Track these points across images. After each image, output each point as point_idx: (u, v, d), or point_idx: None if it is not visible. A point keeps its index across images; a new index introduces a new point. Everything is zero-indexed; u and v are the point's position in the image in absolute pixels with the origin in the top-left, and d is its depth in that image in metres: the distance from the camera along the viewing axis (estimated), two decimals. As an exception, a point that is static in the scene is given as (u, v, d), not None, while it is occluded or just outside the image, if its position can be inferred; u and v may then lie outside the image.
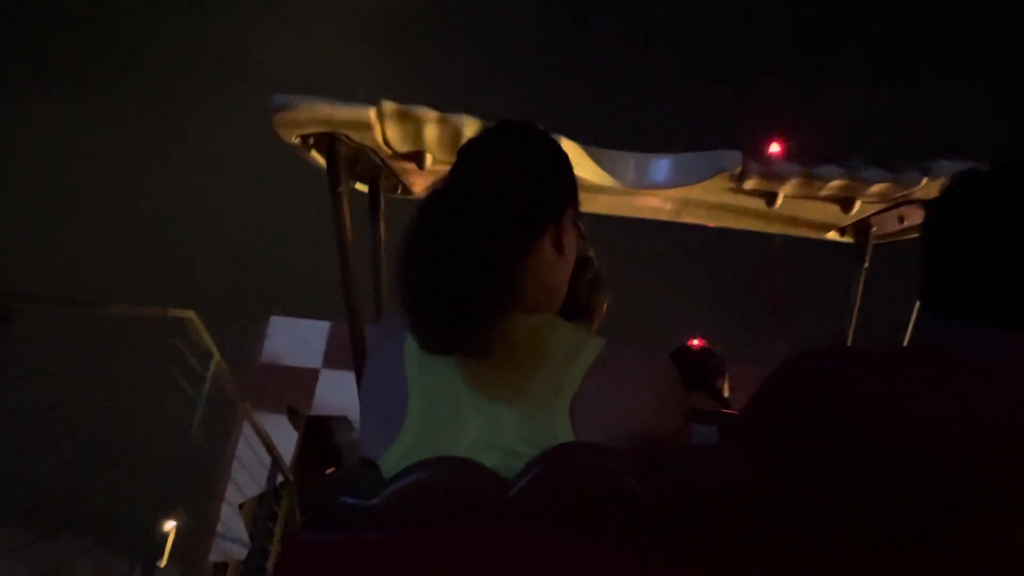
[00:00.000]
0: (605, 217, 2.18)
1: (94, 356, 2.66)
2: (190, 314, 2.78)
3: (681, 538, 0.73)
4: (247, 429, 3.77)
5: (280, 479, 3.77)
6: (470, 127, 1.75)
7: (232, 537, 4.29)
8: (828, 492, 0.75)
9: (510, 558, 0.74)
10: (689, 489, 0.76)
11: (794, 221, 2.13)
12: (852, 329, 2.17)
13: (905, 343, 1.60)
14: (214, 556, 4.45)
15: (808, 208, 2.02)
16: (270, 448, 3.58)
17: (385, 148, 1.85)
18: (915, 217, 1.99)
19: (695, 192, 1.98)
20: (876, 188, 1.87)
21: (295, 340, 7.49)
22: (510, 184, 0.94)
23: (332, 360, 7.32)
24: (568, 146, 1.79)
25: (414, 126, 1.78)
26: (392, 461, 0.86)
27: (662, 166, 1.93)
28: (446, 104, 1.85)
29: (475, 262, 0.85)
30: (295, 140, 1.81)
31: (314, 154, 1.85)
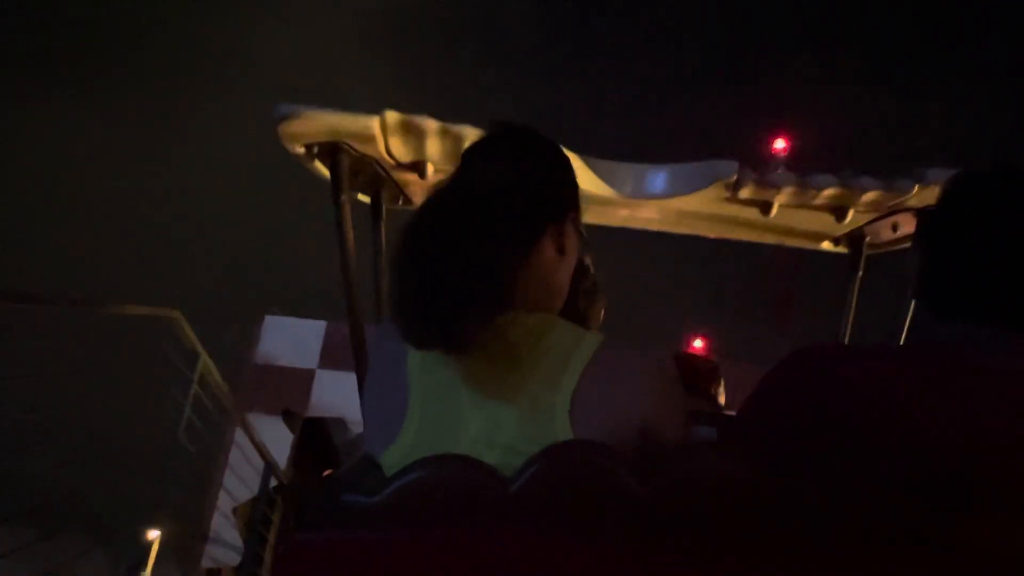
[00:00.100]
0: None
1: (81, 356, 2.60)
2: (175, 313, 2.68)
3: (680, 537, 0.73)
4: (240, 431, 3.70)
5: (274, 483, 3.69)
6: (472, 137, 1.75)
7: (225, 542, 4.21)
8: (828, 491, 0.75)
9: (510, 556, 0.74)
10: (688, 488, 0.76)
11: (789, 231, 2.17)
12: (847, 338, 2.19)
13: (901, 344, 1.59)
14: (206, 562, 4.34)
15: (802, 218, 2.06)
16: (262, 451, 3.51)
17: (388, 158, 1.88)
18: (908, 225, 2.01)
19: (691, 202, 2.00)
20: (869, 196, 1.90)
21: (290, 340, 7.39)
22: (511, 185, 0.95)
23: (328, 360, 7.22)
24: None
25: (416, 136, 1.81)
26: (393, 459, 0.87)
27: (658, 176, 1.96)
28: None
29: (472, 260, 0.86)
30: (300, 150, 1.83)
31: (317, 164, 1.88)
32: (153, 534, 2.60)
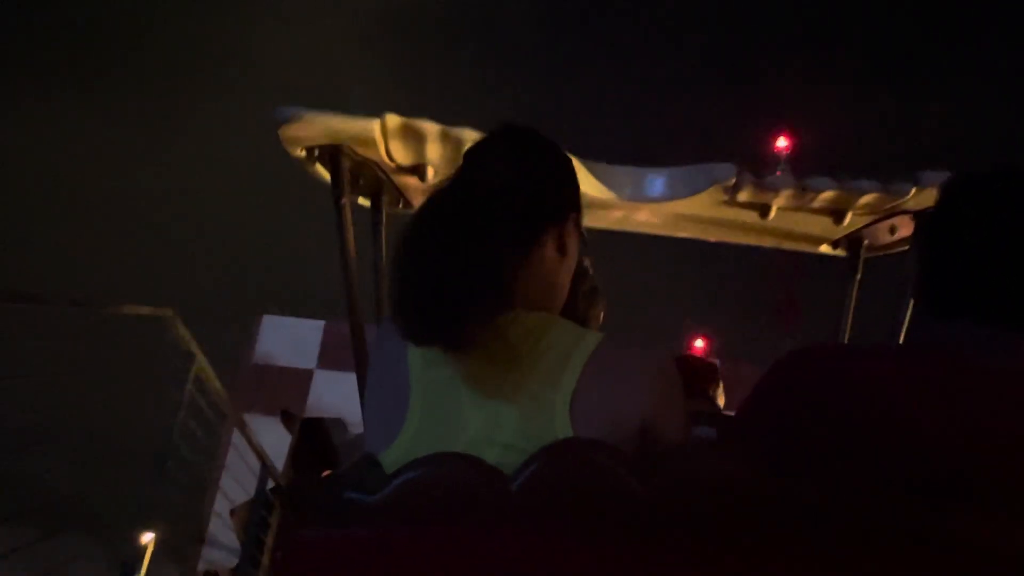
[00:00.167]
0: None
1: (77, 356, 2.58)
2: (169, 312, 2.64)
3: (680, 536, 0.73)
4: (237, 432, 3.67)
5: (271, 485, 3.66)
6: (472, 140, 1.80)
7: (222, 544, 4.17)
8: (827, 491, 0.74)
9: (509, 554, 0.74)
10: (688, 487, 0.76)
11: (787, 234, 2.16)
12: (846, 340, 2.17)
13: (900, 344, 1.60)
14: (203, 565, 4.30)
15: (801, 221, 2.05)
16: (259, 452, 3.48)
17: (388, 161, 1.87)
18: (906, 228, 2.01)
19: (690, 206, 2.00)
20: (866, 199, 1.90)
21: (288, 340, 7.35)
22: (512, 185, 0.96)
23: (327, 360, 7.19)
24: None
25: (416, 139, 1.81)
26: (394, 457, 0.87)
27: (657, 180, 1.96)
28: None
29: (473, 260, 0.86)
30: (300, 153, 1.83)
31: (318, 167, 1.87)
32: (147, 537, 2.56)
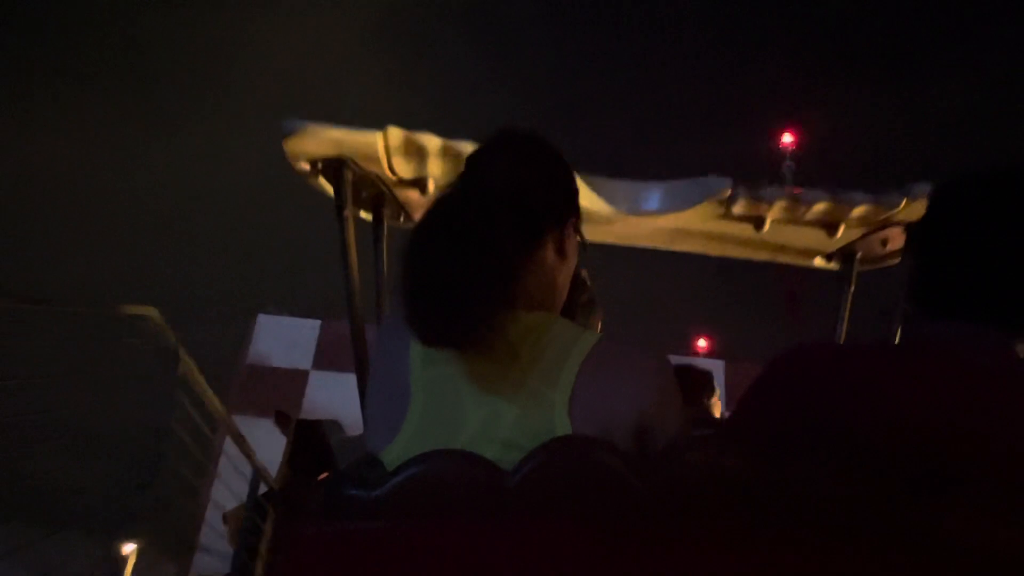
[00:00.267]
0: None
1: (64, 356, 2.51)
2: (152, 311, 2.52)
3: (676, 528, 0.75)
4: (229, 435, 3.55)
5: (264, 489, 3.53)
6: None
7: (213, 550, 4.05)
8: (821, 485, 0.76)
9: (508, 546, 0.75)
10: (684, 480, 0.78)
11: (782, 247, 2.21)
12: None
13: (891, 342, 1.63)
14: (195, 571, 4.19)
15: (795, 234, 2.10)
16: (249, 455, 3.36)
17: (390, 175, 1.91)
18: (898, 240, 2.07)
19: (687, 220, 2.04)
20: (859, 211, 1.94)
21: (283, 340, 7.21)
22: (512, 189, 0.98)
23: (322, 361, 7.06)
24: None
25: (418, 153, 1.84)
26: (395, 455, 0.88)
27: (654, 193, 2.01)
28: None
29: (478, 263, 0.88)
30: (304, 166, 1.87)
31: (322, 181, 1.91)
32: (128, 548, 2.45)
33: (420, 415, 0.92)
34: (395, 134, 1.79)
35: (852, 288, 2.19)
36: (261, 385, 6.68)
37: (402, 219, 2.14)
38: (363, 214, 2.09)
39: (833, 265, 2.25)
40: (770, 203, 1.93)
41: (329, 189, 1.90)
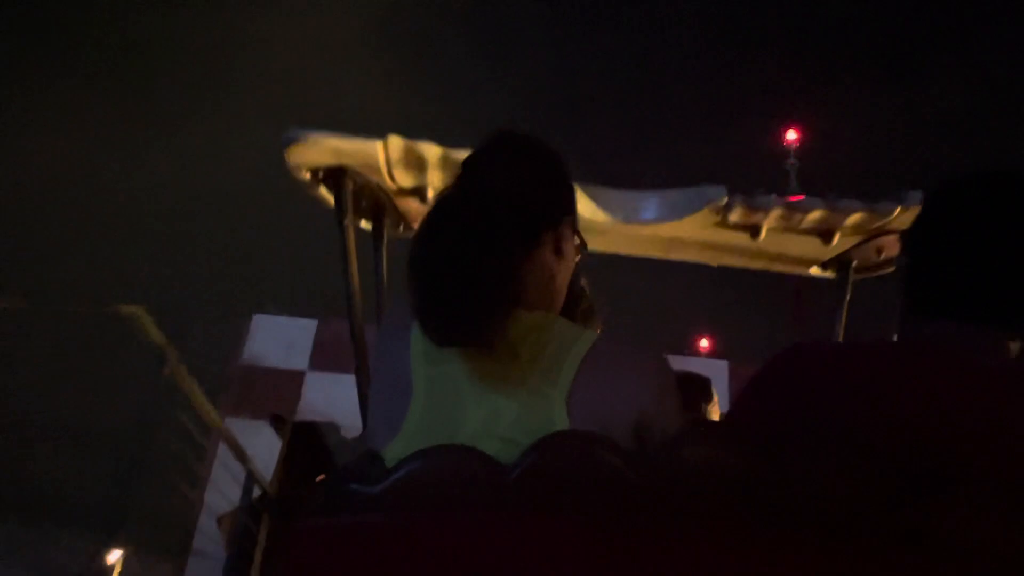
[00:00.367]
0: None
1: (46, 357, 2.44)
2: (138, 310, 2.44)
3: (673, 521, 0.75)
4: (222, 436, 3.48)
5: (258, 492, 3.45)
6: None
7: (209, 555, 3.98)
8: (817, 480, 0.76)
9: (507, 538, 0.76)
10: (683, 476, 0.78)
11: (778, 256, 2.24)
12: None
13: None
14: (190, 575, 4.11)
15: (790, 243, 2.12)
16: (242, 458, 3.27)
17: (390, 183, 1.93)
18: (893, 248, 2.09)
19: (685, 229, 2.06)
20: (853, 219, 1.96)
21: (279, 340, 7.12)
22: (510, 192, 1.00)
23: (319, 362, 6.98)
24: None
25: (418, 162, 1.86)
26: (397, 451, 0.89)
27: (651, 202, 2.03)
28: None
29: (478, 263, 0.90)
30: (306, 175, 1.88)
31: (323, 190, 1.92)
32: (114, 556, 2.38)
33: (421, 414, 0.94)
34: (395, 143, 1.80)
35: (848, 297, 2.22)
36: (256, 386, 6.60)
37: (402, 228, 2.16)
38: (363, 224, 2.11)
39: (829, 274, 2.28)
40: (766, 211, 1.96)
41: (330, 199, 1.92)
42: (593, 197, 1.97)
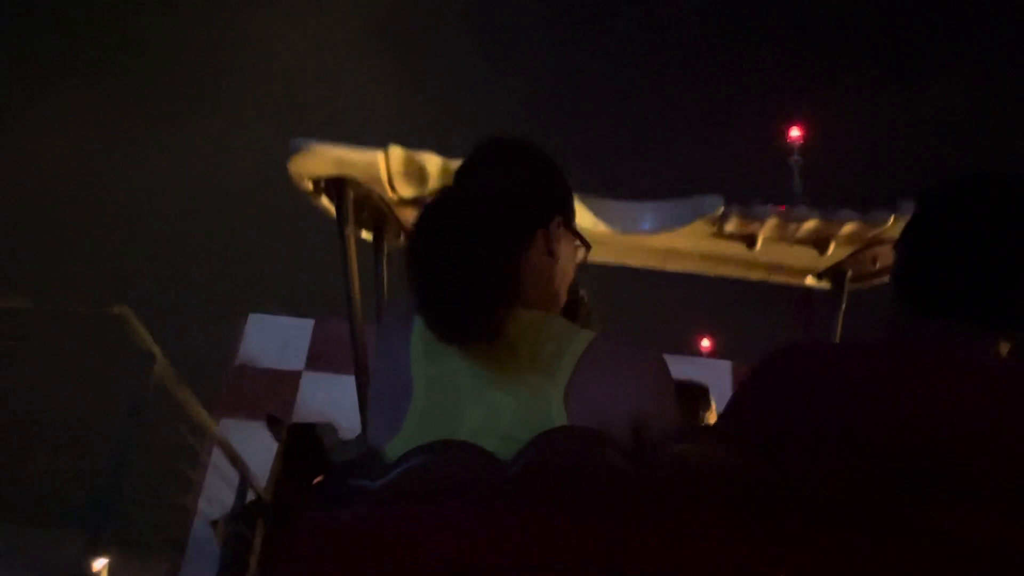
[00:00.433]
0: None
1: (34, 357, 2.40)
2: (124, 310, 2.39)
3: (669, 515, 0.75)
4: (216, 438, 3.41)
5: (252, 497, 3.38)
6: None
7: (204, 559, 3.90)
8: (817, 480, 0.76)
9: (506, 534, 0.76)
10: (678, 470, 0.79)
11: (774, 267, 2.23)
12: None
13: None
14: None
15: (786, 253, 2.12)
16: (235, 460, 3.21)
17: (391, 193, 1.92)
18: (887, 258, 2.08)
19: (681, 240, 2.06)
20: (848, 229, 1.96)
21: (275, 339, 7.03)
22: (497, 193, 1.02)
23: (316, 362, 6.89)
24: None
25: (419, 172, 1.86)
26: (397, 449, 0.89)
27: (648, 212, 2.02)
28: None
29: (471, 262, 0.91)
30: (308, 186, 1.89)
31: (324, 200, 1.93)
32: (99, 563, 2.32)
33: (421, 412, 0.94)
34: (396, 154, 1.81)
35: (843, 307, 2.22)
36: (252, 386, 6.52)
37: (402, 239, 2.15)
38: (364, 234, 2.12)
39: (824, 284, 2.28)
40: (761, 221, 1.96)
41: (331, 209, 1.92)
42: (590, 208, 1.96)
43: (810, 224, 1.96)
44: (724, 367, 7.16)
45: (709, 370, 6.85)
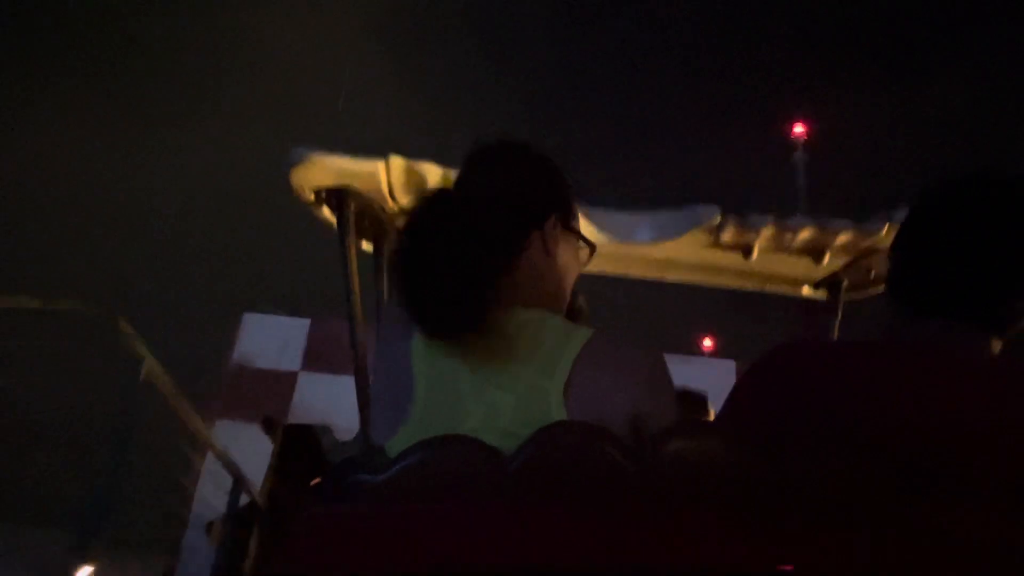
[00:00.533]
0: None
1: (23, 358, 2.41)
2: (110, 311, 2.37)
3: (668, 510, 0.77)
4: (210, 439, 3.39)
5: (246, 500, 3.37)
6: None
7: (201, 558, 3.89)
8: (814, 477, 0.76)
9: (507, 528, 0.78)
10: (677, 465, 0.80)
11: (770, 276, 2.28)
12: None
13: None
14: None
15: (782, 263, 2.15)
16: (228, 464, 3.19)
17: (391, 203, 1.97)
18: (882, 268, 2.09)
19: (678, 250, 2.10)
20: (843, 238, 1.99)
21: (271, 340, 6.99)
22: (490, 192, 1.05)
23: (312, 362, 6.87)
24: None
25: (419, 182, 1.90)
26: (399, 446, 0.90)
27: (645, 222, 2.06)
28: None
29: (457, 256, 0.93)
30: (310, 196, 1.91)
31: (325, 211, 1.95)
32: (84, 572, 2.30)
33: (422, 409, 0.97)
34: (397, 163, 1.85)
35: (839, 317, 2.27)
36: (247, 387, 6.49)
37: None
38: (365, 245, 2.15)
39: (821, 294, 2.31)
40: (757, 231, 2.01)
41: (332, 220, 1.95)
42: (587, 218, 1.99)
43: (805, 234, 2.00)
44: (728, 367, 7.14)
45: (713, 370, 6.83)
